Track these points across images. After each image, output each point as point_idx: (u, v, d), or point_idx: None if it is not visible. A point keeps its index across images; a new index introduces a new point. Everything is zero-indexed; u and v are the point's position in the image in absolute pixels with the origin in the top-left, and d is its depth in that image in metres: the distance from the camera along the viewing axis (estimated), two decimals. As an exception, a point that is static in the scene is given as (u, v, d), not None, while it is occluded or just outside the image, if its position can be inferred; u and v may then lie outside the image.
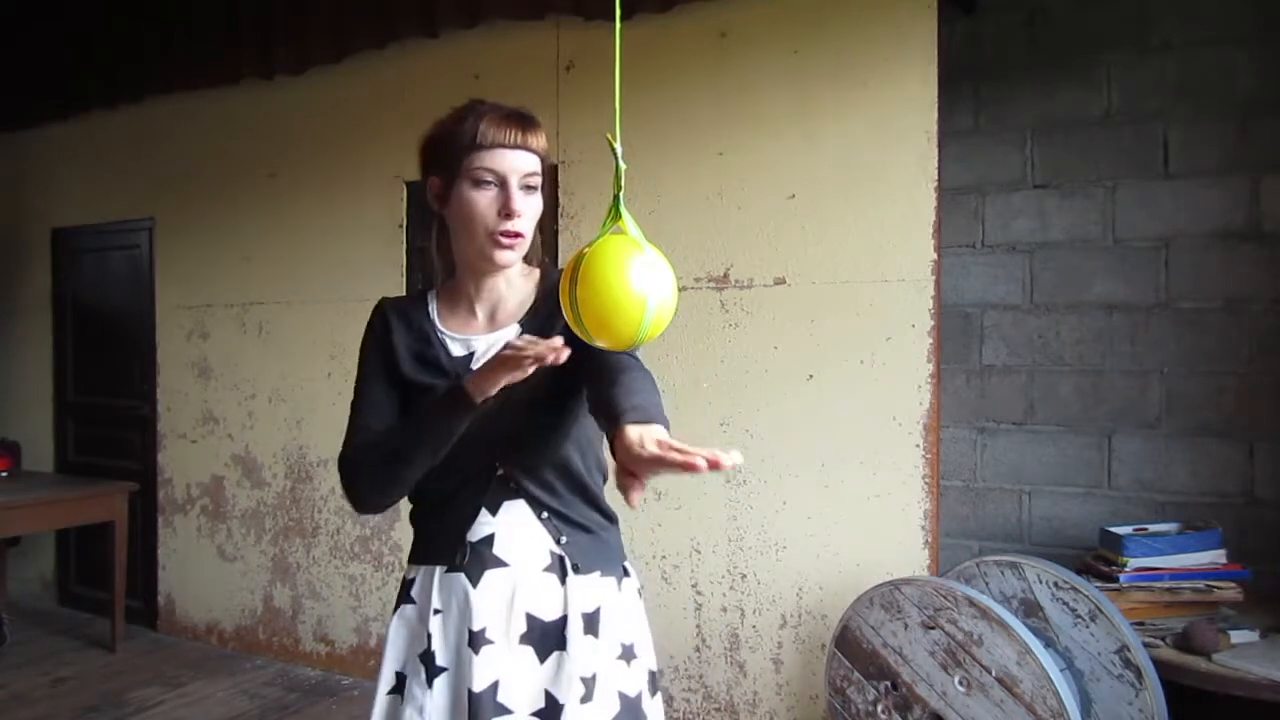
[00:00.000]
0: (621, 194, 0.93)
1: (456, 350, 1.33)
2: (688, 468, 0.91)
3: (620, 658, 1.31)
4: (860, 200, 2.70)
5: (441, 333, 1.35)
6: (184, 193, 4.16)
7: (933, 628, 2.21)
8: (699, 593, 2.95)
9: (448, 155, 1.27)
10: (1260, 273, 2.73)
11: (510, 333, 1.32)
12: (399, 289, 3.53)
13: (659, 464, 0.94)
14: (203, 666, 3.79)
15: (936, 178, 2.61)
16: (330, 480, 3.68)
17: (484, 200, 1.24)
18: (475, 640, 1.25)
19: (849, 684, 2.37)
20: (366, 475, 1.30)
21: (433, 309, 1.38)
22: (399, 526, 3.51)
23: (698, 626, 2.95)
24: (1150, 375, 2.88)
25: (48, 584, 4.78)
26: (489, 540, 1.28)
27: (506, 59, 3.26)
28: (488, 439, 1.26)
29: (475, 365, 1.29)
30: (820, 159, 2.76)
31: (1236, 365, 2.76)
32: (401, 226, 3.54)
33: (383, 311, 1.39)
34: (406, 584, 1.35)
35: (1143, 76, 2.88)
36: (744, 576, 2.88)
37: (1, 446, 4.37)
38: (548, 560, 1.29)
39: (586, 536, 1.32)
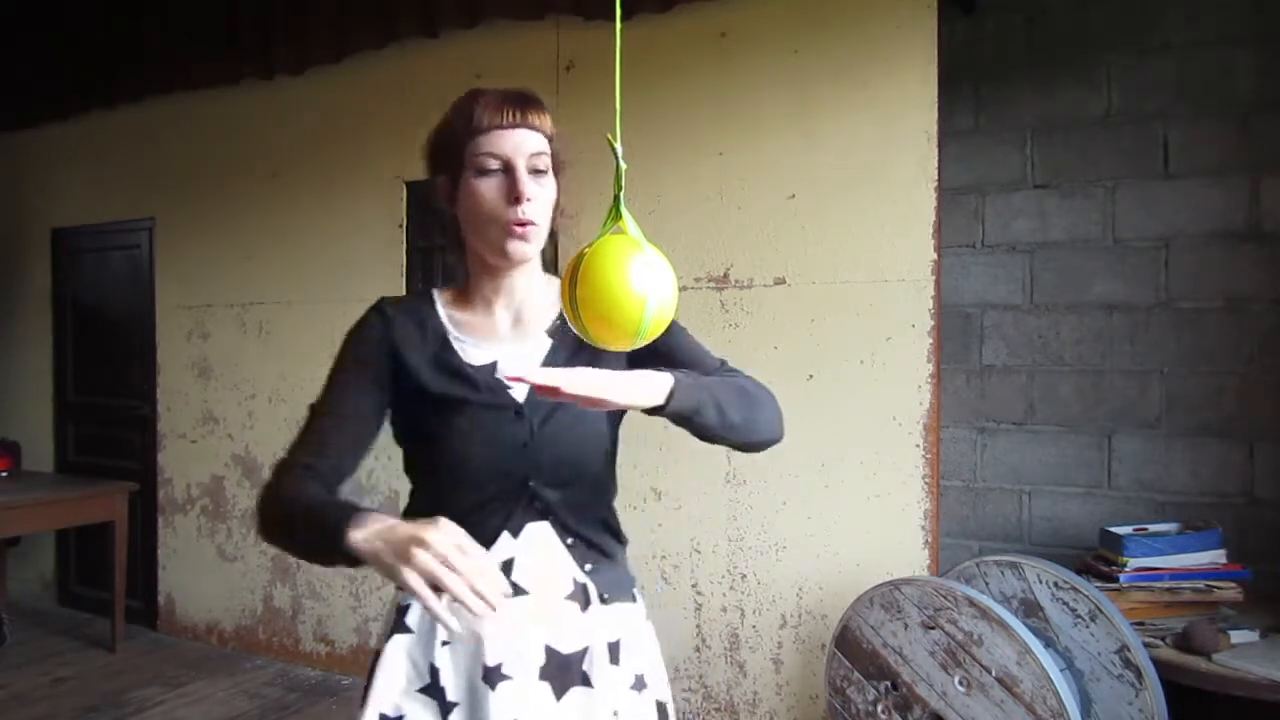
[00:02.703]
0: (622, 194, 0.93)
1: (477, 358, 1.20)
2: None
3: (633, 688, 1.24)
4: (860, 200, 2.70)
5: (458, 338, 1.22)
6: (184, 193, 4.16)
7: (933, 628, 2.21)
8: (699, 593, 2.95)
9: (449, 150, 1.18)
10: (1260, 273, 2.73)
11: (540, 344, 1.22)
12: (399, 289, 3.53)
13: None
14: (203, 666, 3.79)
15: (936, 178, 2.61)
16: (330, 480, 3.68)
17: (490, 188, 1.14)
18: (491, 676, 1.12)
19: (849, 684, 2.37)
20: (269, 512, 1.13)
21: (441, 311, 1.24)
22: (399, 526, 3.51)
23: (698, 626, 2.95)
24: (1150, 375, 2.88)
25: (48, 584, 4.78)
26: (508, 565, 1.15)
27: (506, 59, 3.26)
28: (529, 454, 1.16)
29: (499, 374, 1.19)
30: (820, 159, 2.76)
31: (1236, 365, 2.76)
32: (401, 226, 3.54)
33: (382, 312, 1.23)
34: (400, 610, 1.20)
35: (1143, 76, 2.88)
36: (744, 576, 2.88)
37: (1, 446, 4.37)
38: (570, 588, 1.18)
39: (608, 563, 1.23)
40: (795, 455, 2.79)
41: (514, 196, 1.13)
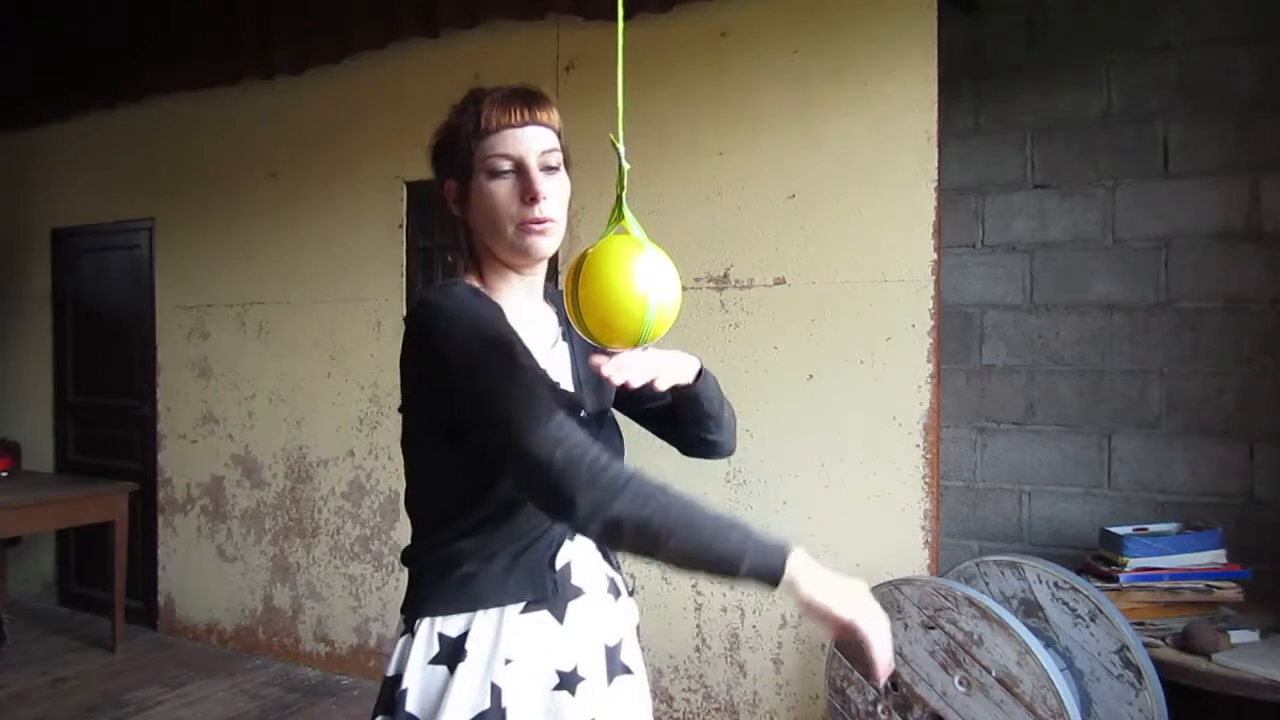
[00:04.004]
0: (625, 194, 0.93)
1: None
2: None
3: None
4: (860, 200, 2.70)
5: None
6: (184, 193, 4.16)
7: (933, 628, 2.21)
8: (699, 593, 2.95)
9: (457, 152, 1.14)
10: (1260, 273, 2.74)
11: (561, 350, 1.22)
12: (399, 289, 3.53)
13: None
14: (203, 666, 3.79)
15: (936, 178, 2.61)
16: (330, 480, 3.68)
17: (503, 190, 1.11)
18: (568, 681, 1.11)
19: (849, 684, 2.37)
20: (630, 495, 0.97)
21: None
22: (399, 526, 3.51)
23: (698, 626, 2.95)
24: (1150, 375, 2.88)
25: (48, 584, 4.77)
26: (568, 568, 1.16)
27: (506, 59, 3.26)
28: None
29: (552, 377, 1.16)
30: (820, 159, 2.76)
31: (1236, 365, 2.77)
32: (401, 226, 3.54)
33: (480, 293, 1.13)
34: (450, 641, 1.09)
35: (1143, 76, 2.88)
36: (744, 576, 2.88)
37: (1, 446, 4.37)
38: (606, 584, 1.22)
39: (615, 559, 1.27)
40: (795, 455, 2.80)
41: (530, 196, 1.10)
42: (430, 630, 1.11)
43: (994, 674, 2.11)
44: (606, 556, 1.23)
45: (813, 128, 2.77)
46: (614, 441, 1.23)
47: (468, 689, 1.07)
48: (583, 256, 0.92)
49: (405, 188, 3.52)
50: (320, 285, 3.75)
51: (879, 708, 2.31)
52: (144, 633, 4.23)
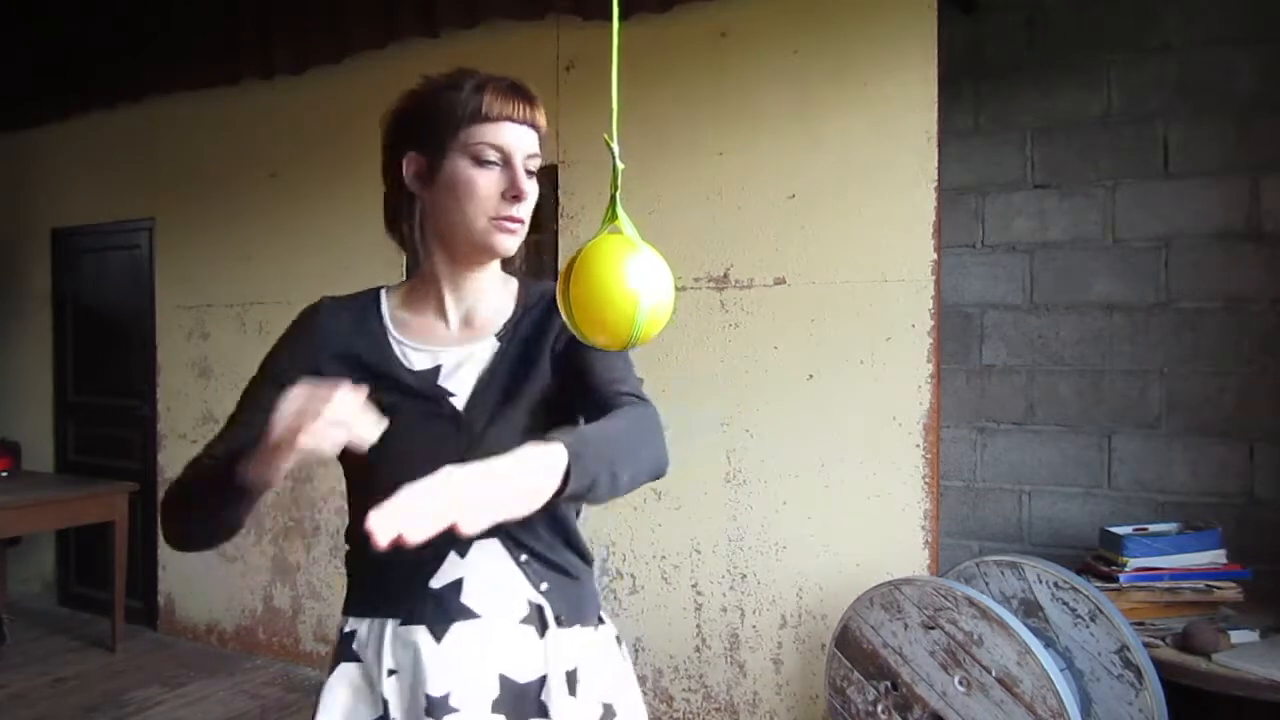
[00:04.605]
0: (618, 194, 0.93)
1: (420, 363, 1.13)
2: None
3: (601, 719, 1.14)
4: (860, 200, 2.70)
5: (399, 341, 1.15)
6: (184, 193, 4.16)
7: (933, 628, 2.21)
8: (699, 593, 2.95)
9: (437, 128, 1.10)
10: (1260, 273, 2.73)
11: (487, 345, 1.15)
12: (399, 289, 3.53)
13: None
14: (203, 666, 3.79)
15: (936, 178, 2.61)
16: (330, 480, 3.68)
17: (486, 180, 1.08)
18: (436, 708, 1.04)
19: (849, 684, 2.37)
20: (174, 504, 1.09)
21: (386, 312, 1.18)
22: (399, 526, 3.51)
23: (698, 626, 2.95)
24: (1150, 375, 2.88)
25: (48, 584, 4.78)
26: (456, 586, 1.07)
27: (506, 59, 3.26)
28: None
29: (443, 381, 1.12)
30: (820, 159, 2.76)
31: (1236, 365, 2.76)
32: (401, 226, 3.53)
33: (317, 311, 1.16)
34: (346, 637, 1.13)
35: (1143, 76, 2.88)
36: (744, 576, 2.88)
37: (1, 446, 4.37)
38: (525, 610, 1.09)
39: (568, 582, 1.14)
40: (795, 455, 2.79)
41: (514, 194, 1.09)
42: (338, 630, 1.16)
43: (994, 674, 2.11)
44: (539, 583, 1.11)
45: (813, 128, 2.77)
46: (505, 446, 0.93)
47: (361, 696, 1.09)
48: (575, 255, 0.92)
49: (405, 188, 3.52)
50: (320, 285, 3.70)
51: (879, 708, 2.31)
52: (144, 633, 4.23)
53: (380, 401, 1.00)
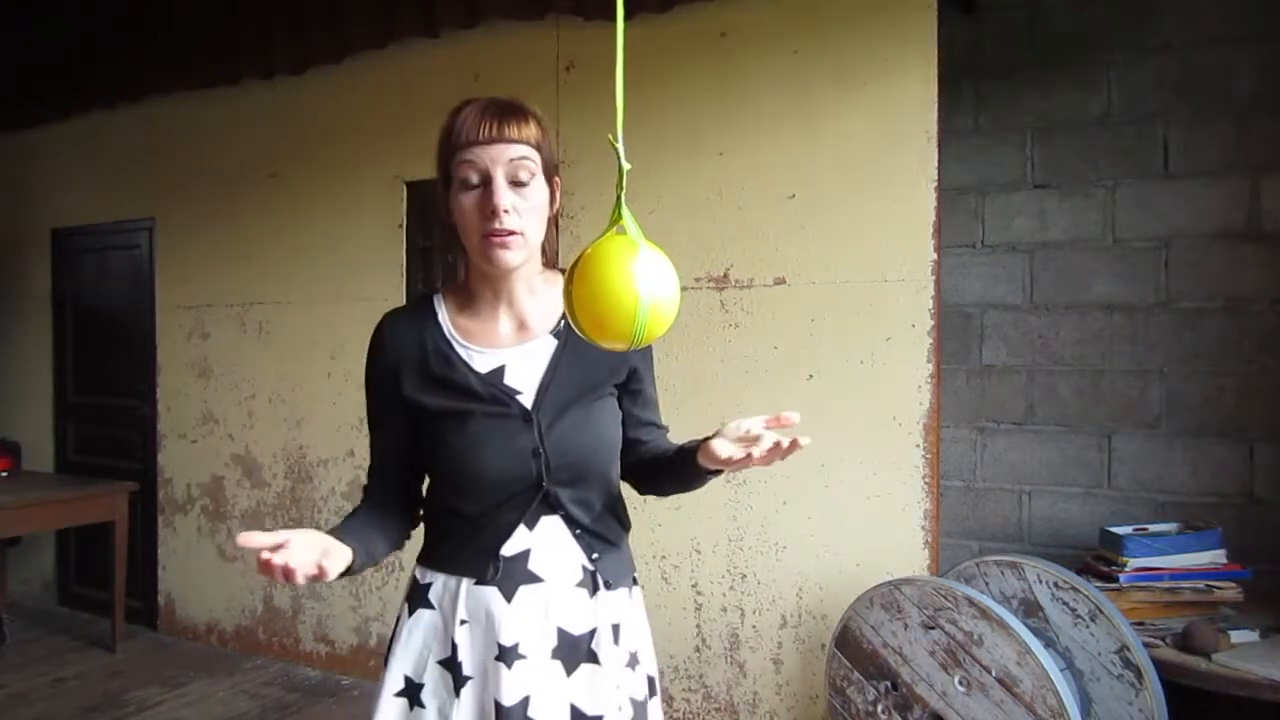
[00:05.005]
0: (623, 194, 0.93)
1: (482, 365, 1.24)
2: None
3: (628, 665, 1.30)
4: (860, 200, 2.70)
5: (462, 346, 1.26)
6: (184, 193, 4.16)
7: (933, 628, 2.21)
8: (699, 593, 2.95)
9: (440, 161, 1.22)
10: (1260, 273, 2.73)
11: (545, 343, 1.26)
12: (399, 289, 3.53)
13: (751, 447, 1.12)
14: (203, 666, 3.79)
15: (936, 178, 2.61)
16: (330, 480, 3.69)
17: (469, 202, 1.18)
18: (506, 655, 1.20)
19: (849, 684, 2.37)
20: None
21: (444, 320, 1.28)
22: (399, 526, 3.51)
23: (698, 626, 2.95)
24: (1150, 375, 2.88)
25: (48, 584, 4.77)
26: (524, 556, 1.23)
27: (506, 59, 3.26)
28: (544, 457, 1.22)
29: (508, 381, 1.23)
30: (820, 159, 2.76)
31: (1236, 365, 2.77)
32: (401, 226, 3.53)
33: (381, 332, 1.29)
34: (422, 587, 1.28)
35: (1143, 76, 2.88)
36: (744, 576, 2.88)
37: (1, 446, 4.37)
38: (580, 576, 1.25)
39: (613, 551, 1.30)
40: (795, 455, 2.79)
41: (489, 211, 1.16)
42: (410, 579, 1.31)
43: (994, 674, 2.11)
44: (590, 553, 1.26)
45: (813, 128, 2.77)
46: (568, 443, 1.23)
47: (435, 637, 1.25)
48: (579, 256, 0.92)
49: (405, 188, 3.52)
50: (320, 285, 3.76)
51: (879, 708, 2.31)
52: (144, 633, 4.23)
53: (451, 407, 1.21)
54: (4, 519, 3.66)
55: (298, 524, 3.80)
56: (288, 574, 0.99)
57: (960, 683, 2.16)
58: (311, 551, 1.03)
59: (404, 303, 3.45)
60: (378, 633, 3.59)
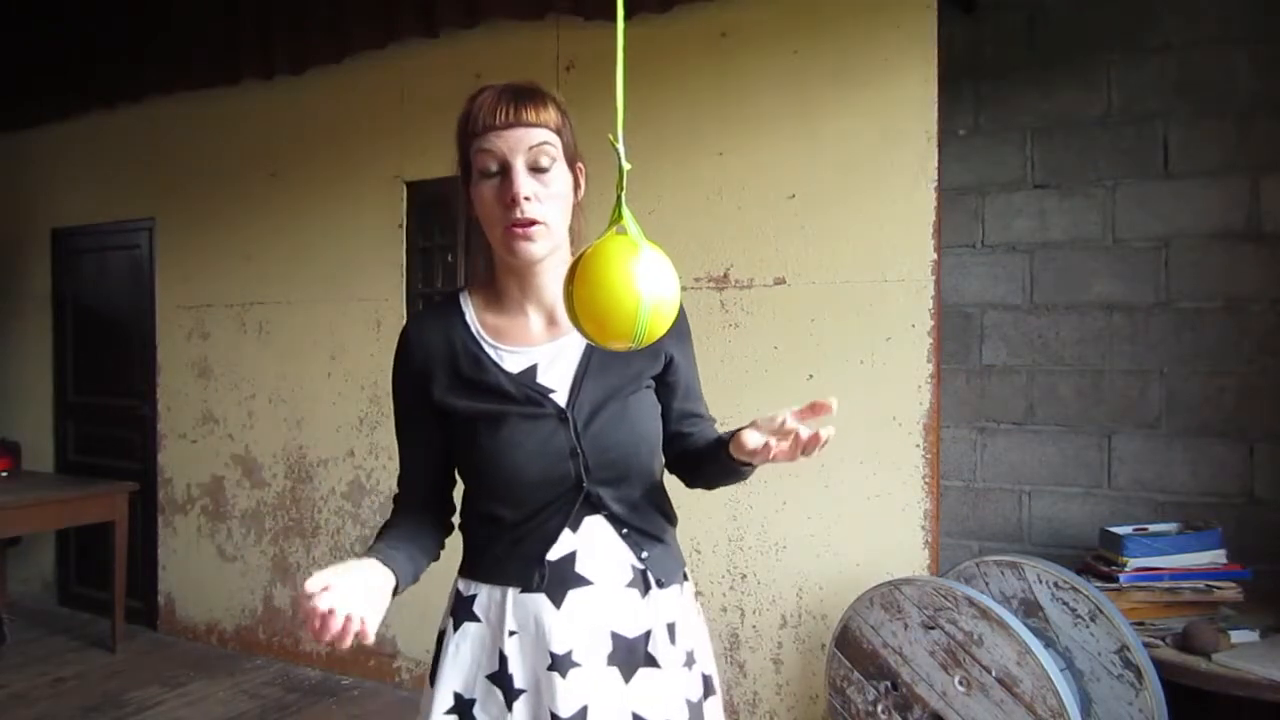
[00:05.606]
0: (624, 194, 0.93)
1: (514, 365, 1.20)
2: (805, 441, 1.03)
3: (684, 665, 1.24)
4: (860, 200, 2.70)
5: (493, 346, 1.20)
6: (184, 193, 4.16)
7: (933, 628, 2.21)
8: (699, 593, 2.95)
9: (459, 153, 1.17)
10: (1260, 273, 2.73)
11: (576, 340, 1.20)
12: (399, 289, 3.53)
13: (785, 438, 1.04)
14: (203, 666, 3.79)
15: (936, 178, 2.61)
16: (330, 480, 3.68)
17: (489, 192, 1.13)
18: (560, 664, 1.14)
19: (849, 684, 2.37)
20: None
21: (472, 319, 1.23)
22: (399, 526, 3.51)
23: (698, 626, 2.95)
24: (1150, 375, 2.88)
25: (48, 584, 4.78)
26: (570, 559, 1.17)
27: (507, 59, 3.26)
28: (582, 457, 1.17)
29: (541, 379, 1.19)
30: (820, 159, 2.76)
31: (1236, 365, 2.77)
32: (401, 226, 3.53)
33: (407, 337, 1.24)
34: (466, 599, 1.22)
35: (1143, 76, 2.88)
36: (744, 576, 2.88)
37: (1, 446, 4.37)
38: (630, 576, 1.20)
39: (661, 547, 1.25)
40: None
41: (509, 199, 1.11)
42: (453, 589, 1.26)
43: (994, 674, 2.11)
44: (639, 552, 1.21)
45: (813, 128, 2.77)
46: (605, 441, 1.18)
47: (481, 651, 1.19)
48: (580, 256, 0.92)
49: (405, 188, 3.52)
50: (320, 285, 3.76)
51: (879, 708, 2.31)
52: (144, 633, 4.23)
53: (484, 410, 1.16)
54: (4, 519, 3.66)
55: (298, 524, 3.80)
56: (343, 632, 0.96)
57: (960, 683, 2.16)
58: (357, 601, 1.00)
59: (404, 303, 3.48)
60: (377, 633, 3.59)
